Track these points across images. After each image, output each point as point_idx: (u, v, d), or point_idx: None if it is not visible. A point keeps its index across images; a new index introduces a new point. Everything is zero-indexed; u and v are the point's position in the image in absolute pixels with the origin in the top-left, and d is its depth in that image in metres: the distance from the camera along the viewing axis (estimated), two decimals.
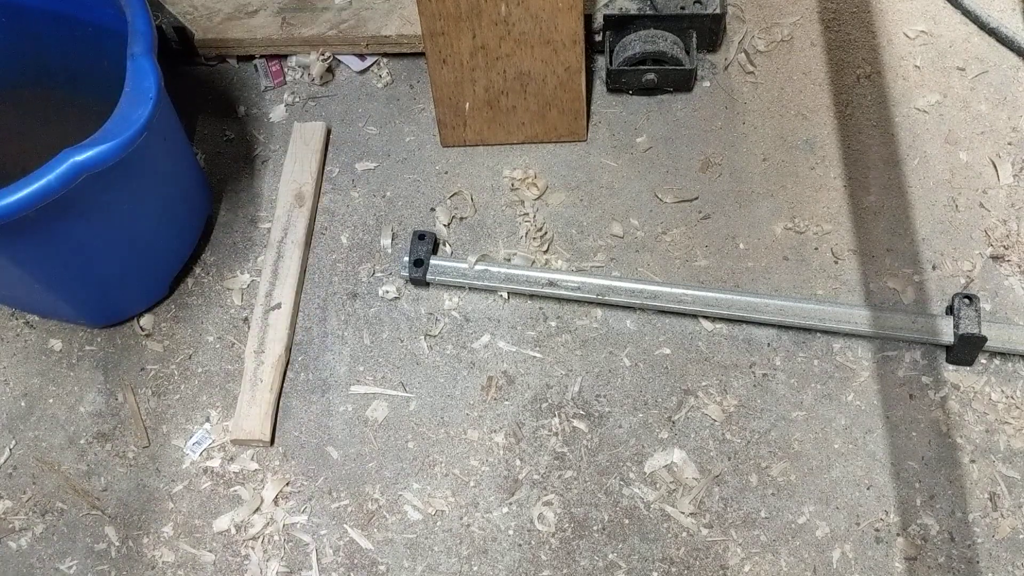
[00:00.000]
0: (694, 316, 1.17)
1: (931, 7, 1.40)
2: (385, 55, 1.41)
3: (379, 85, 1.40)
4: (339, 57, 1.41)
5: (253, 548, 1.07)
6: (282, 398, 1.15)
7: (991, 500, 1.03)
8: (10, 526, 1.10)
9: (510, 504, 1.07)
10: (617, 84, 1.34)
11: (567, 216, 1.26)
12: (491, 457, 1.10)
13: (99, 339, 1.22)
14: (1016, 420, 1.07)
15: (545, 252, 1.23)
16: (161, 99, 0.97)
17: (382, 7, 1.38)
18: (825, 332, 1.14)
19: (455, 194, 1.29)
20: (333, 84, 1.41)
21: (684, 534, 1.04)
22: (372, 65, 1.41)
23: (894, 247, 1.20)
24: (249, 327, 1.19)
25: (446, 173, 1.32)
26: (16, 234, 0.95)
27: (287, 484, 1.10)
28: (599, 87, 1.36)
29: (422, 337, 1.18)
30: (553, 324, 1.18)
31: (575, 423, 1.11)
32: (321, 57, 1.39)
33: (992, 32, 1.35)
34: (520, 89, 1.26)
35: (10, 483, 1.13)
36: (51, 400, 1.18)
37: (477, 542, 1.05)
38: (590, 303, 1.18)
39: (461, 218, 1.27)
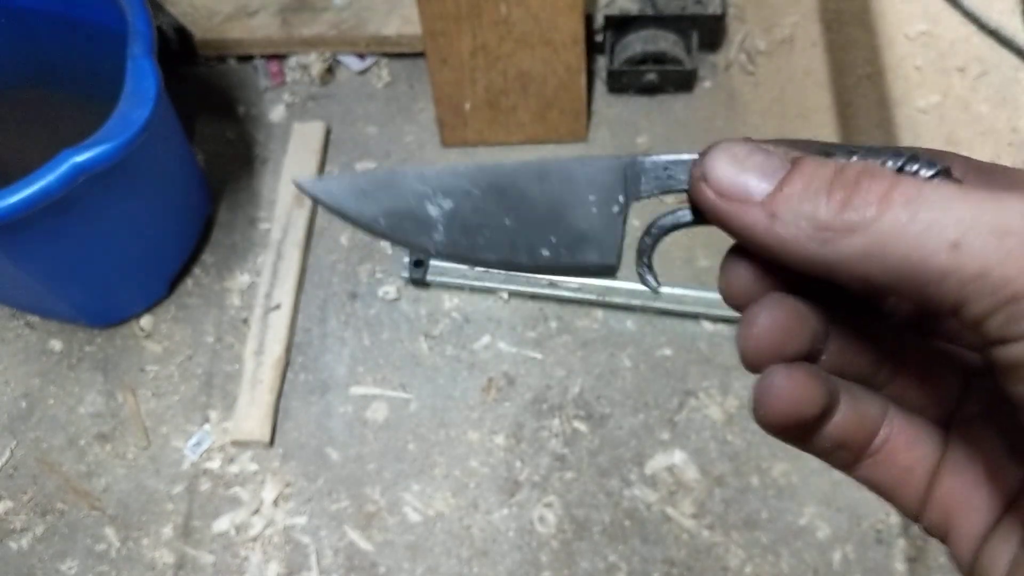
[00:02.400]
0: (695, 317, 1.17)
1: (931, 8, 1.40)
2: (385, 55, 1.41)
3: (379, 85, 1.40)
4: (339, 57, 1.41)
5: (253, 549, 1.06)
6: (282, 399, 1.15)
7: None
8: (11, 527, 1.10)
9: (510, 506, 1.07)
10: (618, 84, 1.34)
11: None
12: (491, 458, 1.10)
13: (99, 340, 1.22)
14: None
15: None
16: (161, 100, 0.97)
17: (382, 7, 1.38)
18: None
19: None
20: (333, 84, 1.41)
21: (685, 535, 1.04)
22: (372, 65, 1.41)
23: None
24: (249, 328, 1.19)
25: None
26: (15, 234, 0.95)
27: (287, 485, 1.10)
28: (599, 87, 1.36)
29: (422, 338, 1.18)
30: (553, 325, 1.18)
31: (576, 424, 1.11)
32: (321, 57, 1.38)
33: (992, 33, 1.35)
34: (520, 89, 1.26)
35: (10, 484, 1.13)
36: (51, 401, 1.18)
37: (477, 544, 1.05)
38: (591, 304, 1.18)
39: None
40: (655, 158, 0.27)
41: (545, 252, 0.28)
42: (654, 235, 0.28)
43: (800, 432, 0.26)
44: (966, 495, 0.26)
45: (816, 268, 0.22)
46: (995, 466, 0.25)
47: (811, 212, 0.22)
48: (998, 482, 0.25)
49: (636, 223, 0.28)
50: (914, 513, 0.28)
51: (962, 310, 0.20)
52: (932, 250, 0.20)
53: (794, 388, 0.24)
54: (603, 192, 0.27)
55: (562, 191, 0.27)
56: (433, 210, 0.27)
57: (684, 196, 0.27)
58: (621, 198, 0.27)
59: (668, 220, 0.28)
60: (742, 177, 0.23)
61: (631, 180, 0.27)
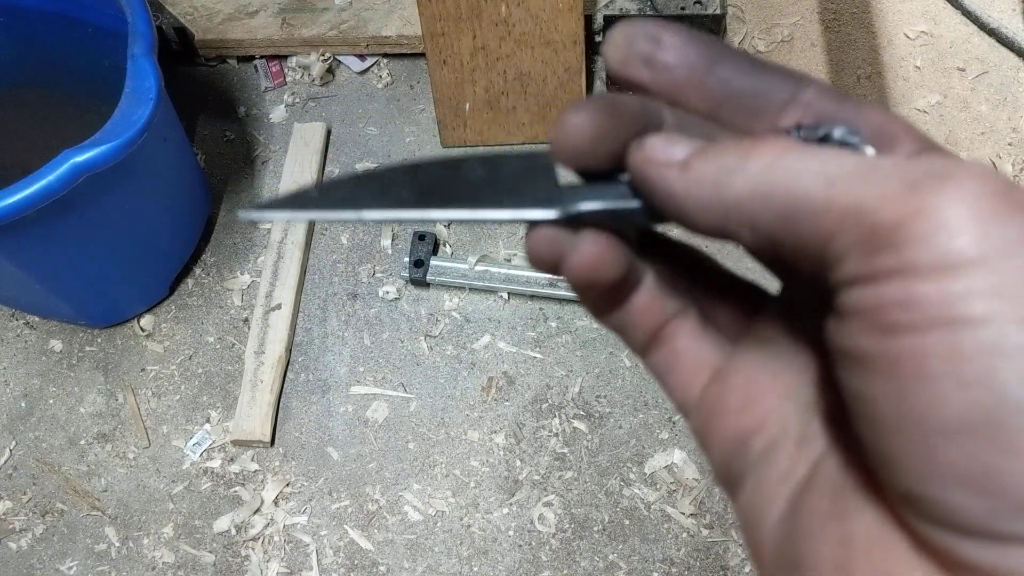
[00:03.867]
0: None
1: (931, 8, 1.40)
2: (385, 55, 1.41)
3: (379, 85, 1.40)
4: (339, 58, 1.41)
5: (253, 549, 1.07)
6: (282, 399, 1.15)
7: None
8: (10, 527, 1.10)
9: (510, 505, 1.07)
10: (617, 85, 1.34)
11: None
12: (491, 458, 1.10)
13: (99, 340, 1.22)
14: None
15: None
16: (161, 100, 0.97)
17: (382, 7, 1.38)
18: None
19: None
20: (333, 85, 1.41)
21: (685, 535, 1.04)
22: (372, 66, 1.41)
23: None
24: (249, 328, 1.19)
25: None
26: (16, 235, 0.95)
27: (287, 485, 1.10)
28: (599, 88, 1.36)
29: (422, 338, 1.18)
30: (553, 324, 1.18)
31: (575, 424, 1.11)
32: (321, 58, 1.39)
33: (992, 33, 1.35)
34: (520, 90, 1.26)
35: (10, 484, 1.13)
36: (51, 401, 1.18)
37: (477, 543, 1.05)
38: None
39: None
40: None
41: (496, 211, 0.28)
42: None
43: (602, 301, 0.28)
44: (733, 398, 0.27)
45: (712, 218, 0.24)
46: (775, 375, 0.27)
47: (718, 159, 0.23)
48: (777, 389, 0.27)
49: None
50: (684, 410, 0.29)
51: (827, 248, 0.21)
52: (810, 185, 0.21)
53: (600, 251, 0.26)
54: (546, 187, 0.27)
55: (508, 178, 0.28)
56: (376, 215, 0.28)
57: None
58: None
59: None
60: (671, 147, 0.24)
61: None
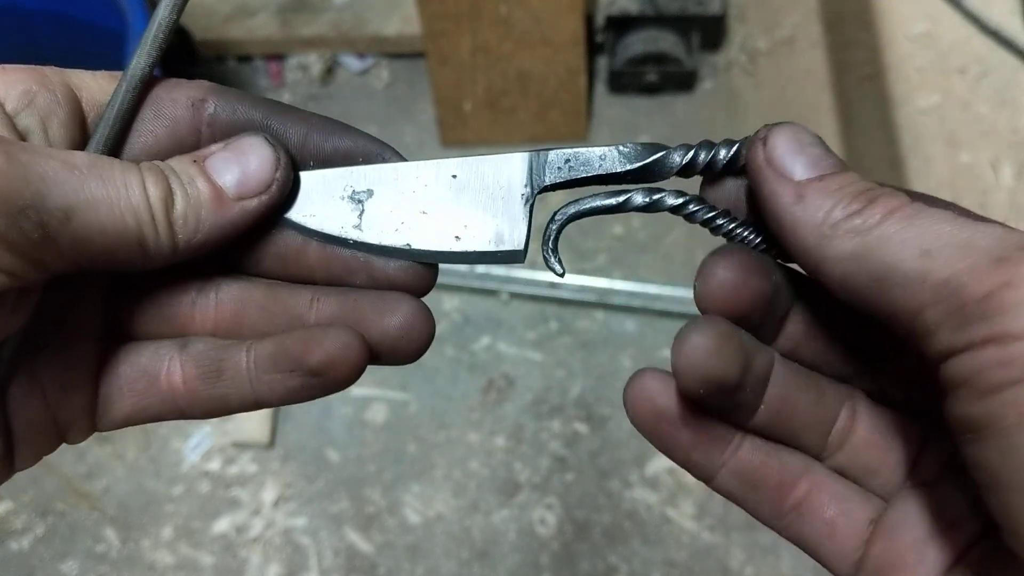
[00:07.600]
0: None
1: (932, 9, 1.40)
2: (385, 55, 1.41)
3: (379, 85, 1.40)
4: (339, 57, 1.41)
5: (253, 551, 1.06)
6: None
7: None
8: (11, 527, 1.10)
9: (511, 507, 1.07)
10: (618, 84, 1.34)
11: None
12: (491, 460, 1.10)
13: None
14: None
15: None
16: None
17: (382, 7, 1.38)
18: None
19: None
20: (333, 85, 1.41)
21: (686, 537, 1.04)
22: (372, 65, 1.41)
23: None
24: None
25: None
26: None
27: (287, 487, 1.10)
28: (600, 88, 1.36)
29: None
30: (554, 326, 1.18)
31: (576, 426, 1.11)
32: (321, 57, 1.38)
33: (993, 34, 1.35)
34: (521, 89, 1.26)
35: (11, 484, 1.12)
36: None
37: (477, 545, 1.05)
38: (591, 305, 1.18)
39: None
40: (559, 151, 0.29)
41: (457, 240, 0.31)
42: (558, 221, 0.30)
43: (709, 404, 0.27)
44: (910, 554, 0.26)
45: (808, 260, 0.25)
46: (950, 523, 0.26)
47: (830, 207, 0.24)
48: (951, 538, 0.26)
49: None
50: (840, 574, 0.28)
51: (920, 317, 0.21)
52: (905, 256, 0.22)
53: (710, 345, 0.28)
54: (511, 183, 0.29)
55: (472, 184, 0.29)
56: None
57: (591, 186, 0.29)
58: (527, 189, 0.29)
59: (572, 208, 0.30)
60: (794, 156, 0.25)
61: (536, 171, 0.29)
